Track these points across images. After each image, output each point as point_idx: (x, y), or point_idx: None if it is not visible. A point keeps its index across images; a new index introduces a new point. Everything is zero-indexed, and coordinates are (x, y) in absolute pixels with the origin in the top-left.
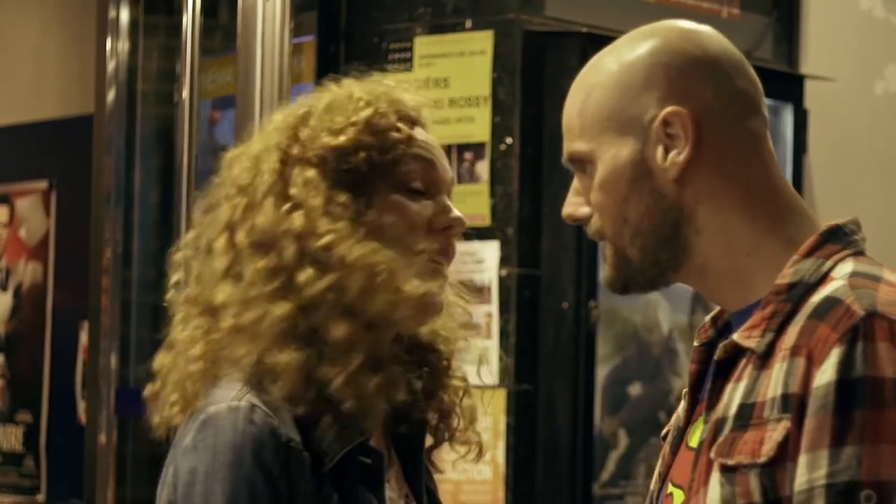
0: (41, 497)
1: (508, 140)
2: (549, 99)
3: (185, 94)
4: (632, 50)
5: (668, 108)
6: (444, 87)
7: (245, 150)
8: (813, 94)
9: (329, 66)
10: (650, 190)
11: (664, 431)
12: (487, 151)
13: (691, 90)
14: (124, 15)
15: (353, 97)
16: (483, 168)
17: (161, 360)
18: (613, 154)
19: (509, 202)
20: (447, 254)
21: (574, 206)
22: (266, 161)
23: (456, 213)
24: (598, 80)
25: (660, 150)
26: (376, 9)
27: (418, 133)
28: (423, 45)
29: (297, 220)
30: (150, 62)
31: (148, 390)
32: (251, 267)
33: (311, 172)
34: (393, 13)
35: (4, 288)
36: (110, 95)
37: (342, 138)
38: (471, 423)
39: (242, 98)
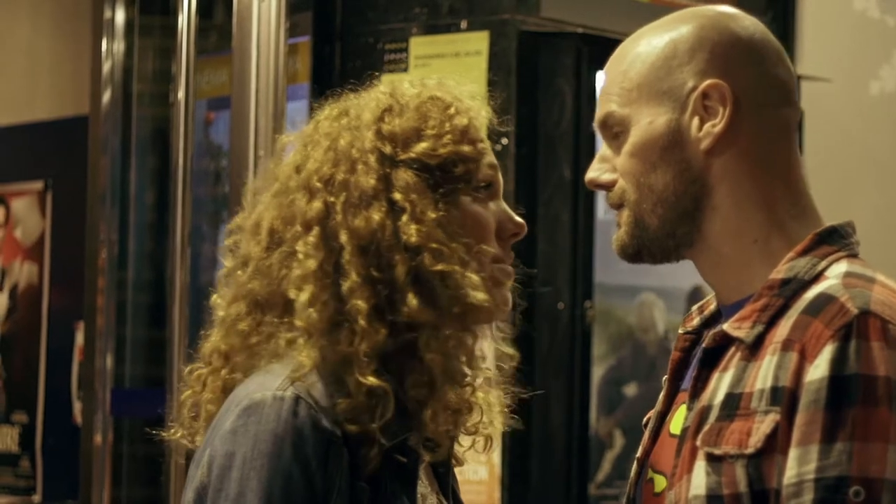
0: (37, 498)
1: (504, 140)
2: (544, 100)
3: (181, 94)
4: (678, 25)
5: (709, 81)
6: None
7: (311, 138)
8: (808, 95)
9: (324, 66)
10: (679, 160)
11: (645, 419)
12: None
13: (733, 68)
14: (119, 15)
15: (441, 101)
16: None
17: (210, 346)
18: (649, 121)
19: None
20: (512, 257)
21: (598, 171)
22: (361, 160)
23: (518, 218)
24: (642, 49)
25: (696, 121)
26: (372, 9)
27: (487, 141)
28: (419, 45)
29: (413, 234)
30: (145, 63)
31: (186, 395)
32: (355, 275)
33: (412, 177)
34: (388, 14)
35: (0, 289)
36: (106, 96)
37: (443, 149)
38: (489, 417)
39: (238, 98)
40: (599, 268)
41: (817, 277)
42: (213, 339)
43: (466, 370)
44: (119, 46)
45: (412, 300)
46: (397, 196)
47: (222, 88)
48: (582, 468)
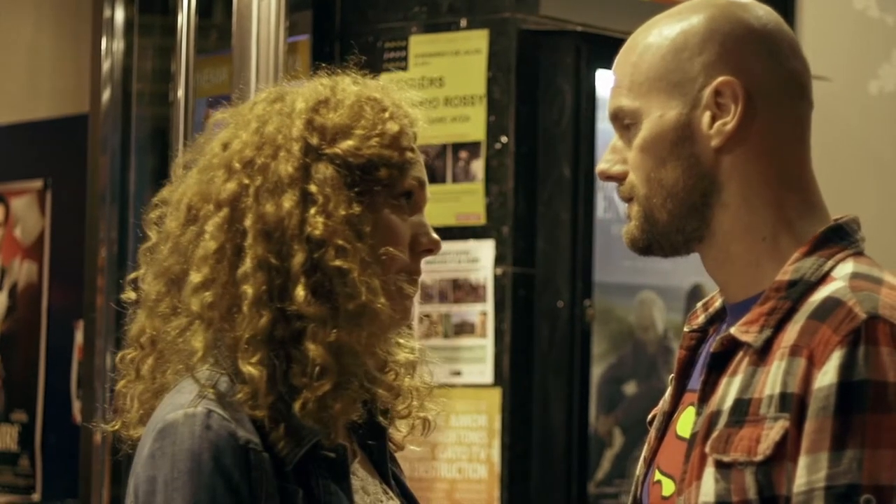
0: (36, 496)
1: (503, 139)
2: (544, 98)
3: (181, 93)
4: (690, 16)
5: (722, 78)
6: (440, 87)
7: (244, 117)
8: None
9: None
10: (689, 155)
11: (650, 416)
12: (482, 150)
13: (745, 62)
14: (119, 14)
15: (379, 104)
16: (478, 167)
17: (137, 328)
18: (659, 114)
19: (504, 201)
20: (420, 272)
21: (609, 163)
22: (285, 146)
23: (435, 235)
24: (653, 40)
25: (707, 117)
26: (371, 8)
27: (418, 153)
28: (419, 44)
29: (319, 227)
30: (145, 61)
31: (121, 384)
32: (249, 260)
33: (331, 172)
34: (388, 12)
35: (0, 287)
36: (105, 95)
37: (368, 150)
38: (419, 400)
39: (238, 97)
40: (599, 266)
41: (824, 278)
42: (139, 320)
43: (360, 368)
44: (119, 45)
45: (300, 291)
46: (312, 188)
47: (222, 87)
48: (581, 467)
